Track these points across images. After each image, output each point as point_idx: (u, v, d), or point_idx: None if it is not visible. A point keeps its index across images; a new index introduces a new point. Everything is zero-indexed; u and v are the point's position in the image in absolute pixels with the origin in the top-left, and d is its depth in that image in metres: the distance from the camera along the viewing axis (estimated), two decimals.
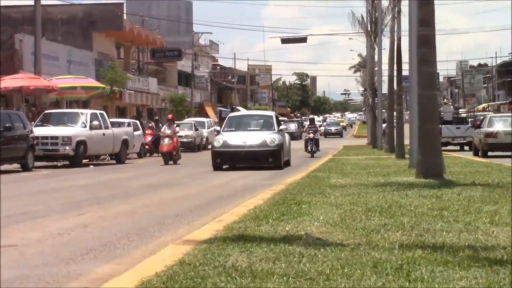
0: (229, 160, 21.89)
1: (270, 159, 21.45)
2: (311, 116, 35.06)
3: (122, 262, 6.03)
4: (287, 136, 24.61)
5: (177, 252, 5.75)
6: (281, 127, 23.91)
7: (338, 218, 7.74)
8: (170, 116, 28.91)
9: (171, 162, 24.81)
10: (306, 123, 53.89)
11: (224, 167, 22.29)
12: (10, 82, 28.92)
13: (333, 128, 75.11)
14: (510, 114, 34.05)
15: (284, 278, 4.56)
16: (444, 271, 4.64)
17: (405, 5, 20.64)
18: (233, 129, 23.57)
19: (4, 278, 5.47)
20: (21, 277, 5.47)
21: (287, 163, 23.11)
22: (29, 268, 5.97)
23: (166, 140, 24.84)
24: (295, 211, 8.57)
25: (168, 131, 25.53)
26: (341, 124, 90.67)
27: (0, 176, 14.48)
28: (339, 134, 73.51)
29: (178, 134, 28.56)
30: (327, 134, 71.36)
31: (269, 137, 21.53)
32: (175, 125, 26.85)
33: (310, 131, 31.86)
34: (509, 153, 24.90)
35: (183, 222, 9.04)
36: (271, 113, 27.56)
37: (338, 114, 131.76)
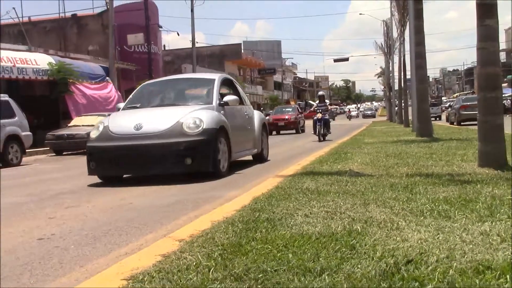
0: (109, 164, 7.97)
1: (188, 159, 7.65)
2: (320, 93, 20.62)
3: (242, 190, 6.17)
4: (254, 115, 10.47)
5: (274, 182, 6.13)
6: (229, 98, 9.07)
7: (369, 160, 8.15)
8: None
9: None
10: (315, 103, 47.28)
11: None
12: None
13: (369, 112, 77.88)
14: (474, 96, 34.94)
15: (337, 194, 4.86)
16: (433, 188, 4.92)
17: (407, 35, 22.81)
18: (138, 105, 9.09)
19: (174, 200, 6.08)
20: (185, 200, 5.79)
21: (261, 157, 10.45)
22: (188, 194, 6.31)
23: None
24: (343, 157, 8.96)
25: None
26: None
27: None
28: (373, 116, 73.44)
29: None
30: (365, 116, 74.59)
31: (190, 117, 7.94)
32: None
33: (318, 110, 18.75)
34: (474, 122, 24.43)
35: (278, 167, 9.00)
36: (215, 76, 9.76)
37: (369, 103, 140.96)
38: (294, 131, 28.42)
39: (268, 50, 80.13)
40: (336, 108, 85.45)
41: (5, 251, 3.82)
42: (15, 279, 3.10)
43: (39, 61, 21.68)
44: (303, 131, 28.73)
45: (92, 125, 18.17)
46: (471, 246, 2.90)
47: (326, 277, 2.48)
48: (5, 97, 14.24)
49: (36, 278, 3.11)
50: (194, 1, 36.71)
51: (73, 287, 2.76)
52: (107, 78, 25.32)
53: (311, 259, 2.76)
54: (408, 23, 24.06)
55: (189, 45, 40.22)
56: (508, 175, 5.56)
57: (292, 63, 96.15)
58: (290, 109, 31.15)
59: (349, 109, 78.25)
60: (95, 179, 8.25)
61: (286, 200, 4.69)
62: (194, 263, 2.79)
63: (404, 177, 5.87)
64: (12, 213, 5.61)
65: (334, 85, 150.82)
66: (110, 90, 25.00)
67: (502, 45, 67.86)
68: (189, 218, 4.68)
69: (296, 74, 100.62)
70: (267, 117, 27.15)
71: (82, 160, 14.22)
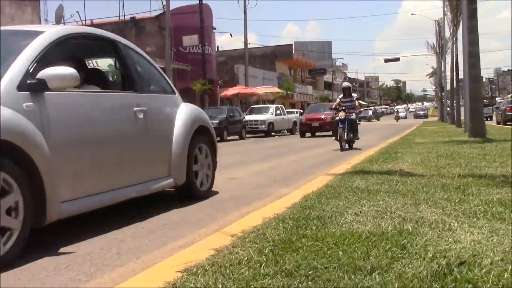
0: None
1: None
2: (345, 84, 14.64)
3: (293, 187, 6.23)
4: (176, 113, 5.46)
5: (324, 180, 6.10)
6: (52, 72, 3.59)
7: (420, 160, 7.95)
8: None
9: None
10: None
11: None
12: (232, 91, 35.01)
13: (421, 112, 74.87)
14: None
15: (387, 193, 4.77)
16: (486, 189, 4.80)
17: (460, 34, 22.49)
18: None
19: (231, 194, 5.97)
20: (239, 195, 5.91)
21: (190, 192, 5.62)
22: (244, 190, 6.45)
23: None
24: (393, 157, 8.79)
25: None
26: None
27: None
28: (425, 116, 70.86)
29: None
30: (417, 116, 71.31)
31: None
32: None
33: (342, 108, 13.52)
34: None
35: (328, 165, 9.09)
36: (45, 29, 4.03)
37: (419, 103, 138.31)
38: (331, 132, 23.72)
39: (318, 51, 79.86)
40: (381, 107, 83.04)
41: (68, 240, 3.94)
42: (76, 268, 3.20)
43: (100, 62, 22.34)
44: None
45: None
46: None
47: (377, 276, 2.43)
48: None
49: (96, 267, 3.20)
50: (247, 3, 36.91)
51: (131, 278, 2.81)
52: None
53: (362, 257, 2.72)
54: (461, 22, 23.33)
55: (241, 46, 40.52)
56: None
57: (342, 63, 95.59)
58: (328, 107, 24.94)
59: (397, 110, 73.32)
60: None
61: (336, 198, 4.66)
62: (245, 258, 2.80)
63: (456, 178, 5.73)
64: None
65: (385, 85, 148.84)
66: None
67: None
68: (240, 214, 4.69)
69: (346, 74, 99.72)
70: (300, 117, 25.15)
71: None
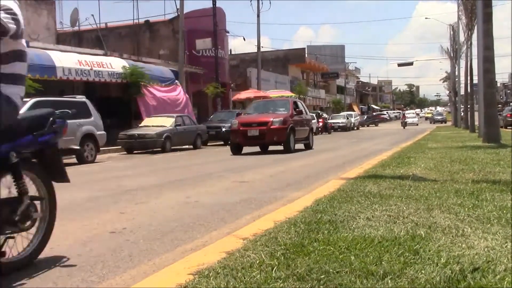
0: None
1: None
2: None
3: (305, 190, 6.26)
4: None
5: (336, 184, 6.08)
6: None
7: (433, 165, 7.90)
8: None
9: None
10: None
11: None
12: (244, 94, 35.38)
13: (439, 117, 70.34)
14: None
15: (399, 198, 4.74)
16: (500, 195, 4.74)
17: (475, 39, 23.17)
18: None
19: (242, 198, 5.99)
20: (250, 198, 5.92)
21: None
22: (255, 193, 6.45)
23: None
24: (406, 162, 8.74)
25: None
26: (430, 115, 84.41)
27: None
28: (444, 121, 65.42)
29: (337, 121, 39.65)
30: (435, 121, 67.38)
31: None
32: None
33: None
34: None
35: (340, 169, 9.10)
36: None
37: (432, 108, 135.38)
38: (282, 146, 15.19)
39: (331, 55, 79.59)
40: (393, 112, 79.73)
41: (80, 243, 3.98)
42: (88, 269, 3.21)
43: (114, 64, 22.41)
44: (308, 146, 16.75)
45: (162, 126, 18.73)
46: None
47: (389, 281, 2.42)
48: (82, 98, 14.81)
49: (108, 269, 3.21)
50: (260, 7, 36.98)
51: (142, 280, 2.82)
52: (176, 81, 25.89)
53: (374, 262, 2.70)
54: (476, 27, 23.16)
55: (254, 49, 40.54)
56: None
57: (355, 67, 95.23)
58: (281, 107, 16.46)
59: (404, 114, 57.31)
60: (164, 177, 8.52)
61: (348, 202, 4.65)
62: (257, 261, 2.79)
63: (469, 183, 5.67)
64: (88, 207, 5.82)
65: (398, 90, 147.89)
66: (178, 92, 25.55)
67: None
68: (252, 217, 4.70)
69: (359, 78, 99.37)
70: (233, 121, 15.82)
71: (152, 158, 14.69)
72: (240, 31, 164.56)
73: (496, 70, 15.20)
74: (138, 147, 18.29)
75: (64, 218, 4.96)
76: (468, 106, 31.62)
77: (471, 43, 29.92)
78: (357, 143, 21.16)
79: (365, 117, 67.31)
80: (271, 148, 15.89)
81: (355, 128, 46.21)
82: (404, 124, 48.80)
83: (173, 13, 32.27)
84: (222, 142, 22.74)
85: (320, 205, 4.57)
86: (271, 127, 14.73)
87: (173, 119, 19.46)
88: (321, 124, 36.28)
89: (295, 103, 16.94)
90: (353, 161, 11.30)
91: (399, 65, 69.89)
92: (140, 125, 20.03)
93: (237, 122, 15.29)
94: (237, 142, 15.23)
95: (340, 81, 75.27)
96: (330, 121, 40.38)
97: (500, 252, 2.82)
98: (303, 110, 16.79)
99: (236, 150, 15.28)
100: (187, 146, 19.84)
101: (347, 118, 43.75)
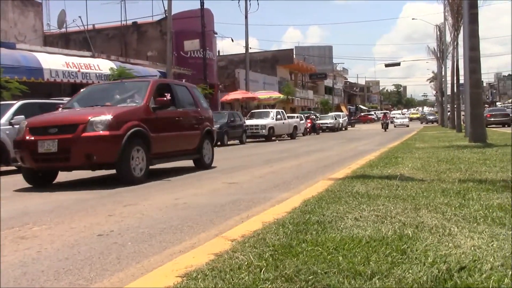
0: None
1: None
2: None
3: (293, 191, 6.30)
4: None
5: (324, 185, 6.10)
6: None
7: (420, 165, 7.95)
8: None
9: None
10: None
11: None
12: (233, 95, 35.24)
13: (431, 117, 67.91)
14: None
15: (387, 198, 4.78)
16: (486, 194, 4.80)
17: (461, 39, 23.44)
18: None
19: (231, 199, 5.98)
20: (239, 199, 5.91)
21: None
22: (243, 194, 6.45)
23: None
24: (393, 162, 8.80)
25: None
26: (417, 115, 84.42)
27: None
28: (436, 121, 60.71)
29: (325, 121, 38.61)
30: (427, 121, 65.83)
31: None
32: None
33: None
34: None
35: (328, 170, 9.15)
36: None
37: (419, 108, 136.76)
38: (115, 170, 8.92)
39: (319, 55, 79.93)
40: (381, 112, 78.00)
41: (68, 245, 3.94)
42: (76, 273, 3.19)
43: (101, 66, 22.28)
44: (200, 163, 10.65)
45: None
46: None
47: (377, 281, 2.42)
48: None
49: (95, 272, 3.19)
50: (248, 8, 37.00)
51: (130, 283, 2.80)
52: None
53: (362, 262, 2.71)
54: (462, 27, 23.35)
55: (242, 50, 40.63)
56: None
57: (343, 68, 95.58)
58: (131, 95, 9.29)
59: (385, 113, 44.95)
60: (152, 179, 8.47)
61: (336, 203, 4.66)
62: (246, 263, 2.79)
63: (456, 182, 5.73)
64: (75, 209, 5.77)
65: (385, 90, 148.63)
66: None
67: None
68: (240, 218, 4.69)
69: (347, 79, 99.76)
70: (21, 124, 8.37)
71: None
72: (228, 32, 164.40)
73: (482, 70, 15.34)
74: None
75: (51, 221, 4.93)
76: (455, 106, 31.86)
77: (457, 44, 30.16)
78: (345, 143, 21.24)
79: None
80: (260, 145, 15.93)
81: (343, 129, 46.26)
82: (385, 126, 38.26)
83: (161, 14, 32.25)
84: None
85: (308, 205, 4.57)
86: (84, 134, 7.71)
87: None
88: (309, 124, 36.36)
89: (162, 86, 9.70)
90: (341, 161, 11.34)
91: (387, 65, 70.40)
92: None
93: (25, 126, 8.10)
94: (24, 165, 8.11)
95: (328, 82, 75.59)
96: (318, 121, 40.44)
97: (486, 251, 2.85)
98: (198, 101, 10.70)
99: (32, 181, 8.25)
100: None
101: (335, 119, 43.77)
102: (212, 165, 11.04)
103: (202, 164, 10.54)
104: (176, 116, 9.70)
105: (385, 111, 61.24)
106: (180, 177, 9.05)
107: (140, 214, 5.28)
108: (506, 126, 34.38)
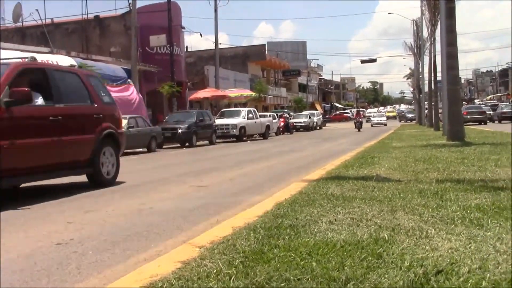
0: None
1: None
2: None
3: (265, 194, 6.31)
4: None
5: (298, 187, 6.15)
6: None
7: (397, 165, 8.08)
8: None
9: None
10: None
11: None
12: (202, 93, 34.51)
13: (410, 115, 66.10)
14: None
15: (363, 200, 4.84)
16: (464, 194, 4.89)
17: (438, 34, 23.49)
18: None
19: (199, 203, 5.99)
20: (208, 203, 5.93)
21: None
22: (213, 198, 6.49)
23: None
24: (369, 162, 8.92)
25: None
26: (393, 114, 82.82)
27: None
28: (414, 120, 58.98)
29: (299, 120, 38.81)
30: (406, 119, 64.70)
31: None
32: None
33: None
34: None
35: (302, 171, 9.18)
36: None
37: (396, 105, 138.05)
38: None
39: (293, 51, 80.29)
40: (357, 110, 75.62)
41: (24, 256, 3.86)
42: (32, 285, 3.12)
43: (61, 63, 21.86)
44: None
45: None
46: (505, 256, 2.83)
47: (352, 286, 2.45)
48: None
49: (53, 283, 3.13)
50: (218, 2, 36.93)
51: None
52: (129, 80, 25.53)
53: (336, 268, 2.73)
54: (439, 22, 23.74)
55: (212, 46, 40.38)
56: None
57: (317, 64, 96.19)
58: None
59: (358, 111, 44.46)
60: (115, 183, 8.38)
61: (310, 206, 4.69)
62: (214, 271, 2.78)
63: (434, 183, 5.84)
64: (32, 217, 5.66)
65: (361, 87, 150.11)
66: (131, 92, 25.19)
67: None
68: (209, 224, 4.68)
69: (321, 76, 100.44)
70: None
71: None
72: (197, 27, 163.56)
73: (460, 67, 15.63)
74: None
75: (6, 229, 4.82)
76: (432, 103, 32.35)
77: (434, 39, 30.65)
78: (320, 143, 21.41)
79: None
80: (230, 146, 15.91)
81: (318, 128, 46.52)
82: (359, 125, 36.40)
83: (125, 7, 31.91)
84: (178, 145, 22.59)
85: (281, 209, 4.60)
86: None
87: (126, 121, 19.16)
88: (282, 124, 36.40)
89: (32, 72, 7.60)
90: (316, 162, 11.41)
91: (362, 61, 71.58)
92: None
93: None
94: None
95: (302, 79, 75.94)
96: (291, 120, 40.52)
97: (464, 254, 2.90)
98: (95, 94, 8.47)
99: None
100: (140, 150, 19.60)
101: (310, 118, 43.89)
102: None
103: (98, 181, 8.19)
104: (51, 115, 7.30)
105: (358, 109, 59.33)
106: (145, 181, 8.96)
107: (102, 220, 5.23)
108: (482, 123, 35.33)
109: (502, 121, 36.22)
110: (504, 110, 37.90)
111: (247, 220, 4.18)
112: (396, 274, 2.58)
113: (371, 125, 48.36)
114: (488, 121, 37.63)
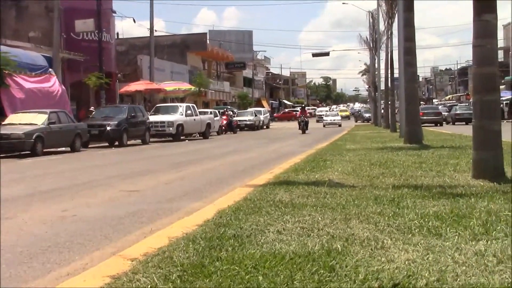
0: None
1: None
2: None
3: (206, 200, 6.33)
4: None
5: (242, 192, 6.17)
6: None
7: (351, 169, 8.21)
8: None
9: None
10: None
11: None
12: (134, 86, 33.85)
13: (367, 115, 64.38)
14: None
15: (314, 207, 4.89)
16: (422, 201, 5.03)
17: (395, 28, 24.22)
18: None
19: (131, 210, 5.93)
20: (141, 210, 5.89)
21: None
22: (146, 204, 6.42)
23: None
24: (321, 165, 9.01)
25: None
26: (346, 113, 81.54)
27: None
28: (370, 120, 57.42)
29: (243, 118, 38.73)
30: (363, 119, 64.14)
31: None
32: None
33: None
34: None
35: (247, 175, 9.25)
36: None
37: (350, 104, 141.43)
38: None
39: (237, 41, 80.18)
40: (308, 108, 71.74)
41: None
42: None
43: None
44: None
45: (31, 124, 17.96)
46: (464, 268, 2.94)
47: None
48: None
49: None
50: None
51: None
52: (50, 69, 24.90)
53: (285, 282, 2.75)
54: (396, 15, 24.39)
55: (146, 33, 39.90)
56: (505, 188, 5.66)
57: (264, 56, 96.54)
58: None
59: (303, 107, 38.94)
60: (34, 187, 8.16)
61: (256, 214, 4.72)
62: (149, 286, 2.76)
63: (390, 189, 5.99)
64: None
65: (312, 83, 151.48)
66: (53, 83, 24.59)
67: (500, 42, 68.60)
68: (142, 233, 4.64)
69: (269, 70, 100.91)
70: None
71: (19, 164, 14.01)
72: (129, 12, 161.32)
73: (418, 63, 16.09)
74: (1, 150, 17.37)
75: None
76: (389, 102, 33.07)
77: (391, 33, 31.40)
78: (267, 144, 21.55)
79: None
80: (166, 146, 15.76)
81: (265, 127, 46.76)
82: (304, 126, 32.92)
83: None
84: (107, 144, 22.21)
85: (223, 217, 4.60)
86: None
87: (46, 116, 18.69)
88: (225, 122, 36.40)
89: None
90: (262, 165, 11.48)
91: (314, 55, 72.34)
92: (3, 123, 19.04)
93: None
94: None
95: (247, 72, 76.13)
96: (235, 118, 40.57)
97: (422, 265, 2.99)
98: None
99: None
100: (63, 149, 19.15)
101: (255, 115, 44.01)
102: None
103: None
104: None
105: (302, 105, 55.04)
106: (69, 184, 8.74)
107: (18, 229, 5.10)
108: (438, 125, 36.71)
109: (456, 123, 37.60)
110: (458, 112, 39.35)
111: (185, 230, 4.16)
112: None
113: (324, 126, 48.26)
114: (443, 122, 39.05)
